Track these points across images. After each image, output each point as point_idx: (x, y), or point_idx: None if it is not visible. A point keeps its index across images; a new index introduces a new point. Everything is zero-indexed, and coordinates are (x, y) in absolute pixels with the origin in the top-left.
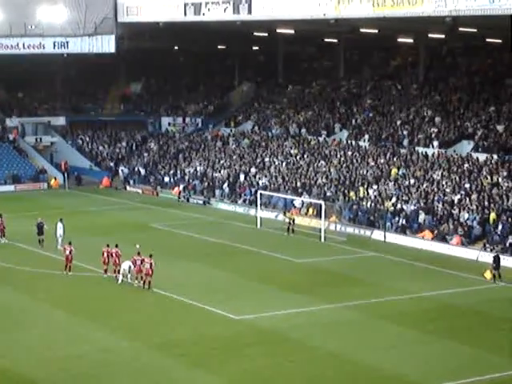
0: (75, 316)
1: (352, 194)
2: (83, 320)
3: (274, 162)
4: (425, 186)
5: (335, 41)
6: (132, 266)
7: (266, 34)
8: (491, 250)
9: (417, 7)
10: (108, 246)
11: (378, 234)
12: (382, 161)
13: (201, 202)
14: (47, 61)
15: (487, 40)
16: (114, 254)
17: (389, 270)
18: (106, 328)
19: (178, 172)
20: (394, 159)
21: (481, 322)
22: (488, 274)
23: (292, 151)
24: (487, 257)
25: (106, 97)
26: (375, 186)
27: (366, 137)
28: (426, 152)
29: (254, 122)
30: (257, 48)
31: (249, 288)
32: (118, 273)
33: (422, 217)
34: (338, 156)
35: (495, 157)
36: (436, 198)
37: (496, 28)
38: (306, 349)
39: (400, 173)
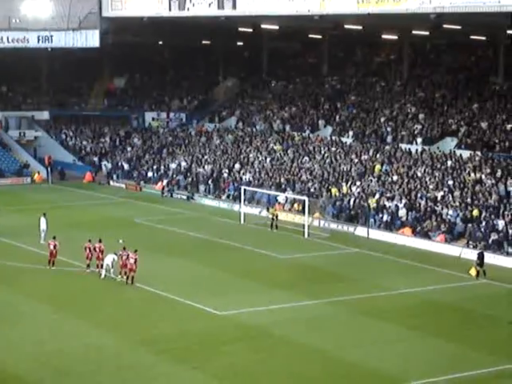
0: (59, 311)
1: (335, 190)
2: (67, 315)
3: (258, 158)
4: (408, 182)
5: (319, 37)
6: (115, 258)
7: (251, 30)
8: (474, 247)
9: (401, 4)
10: (90, 241)
11: (361, 231)
12: (366, 157)
13: (184, 197)
14: (31, 55)
15: (471, 37)
16: (97, 249)
17: (372, 266)
18: (89, 323)
19: (162, 167)
20: (378, 156)
21: (463, 318)
22: (473, 271)
23: (276, 147)
24: (470, 254)
25: (89, 91)
26: (359, 183)
27: (350, 133)
28: (409, 149)
29: (238, 118)
30: (241, 44)
31: (232, 284)
32: (101, 268)
33: (404, 213)
34: (322, 152)
35: (478, 154)
36: (419, 195)
37: (480, 25)
38: (290, 345)
39: (383, 169)
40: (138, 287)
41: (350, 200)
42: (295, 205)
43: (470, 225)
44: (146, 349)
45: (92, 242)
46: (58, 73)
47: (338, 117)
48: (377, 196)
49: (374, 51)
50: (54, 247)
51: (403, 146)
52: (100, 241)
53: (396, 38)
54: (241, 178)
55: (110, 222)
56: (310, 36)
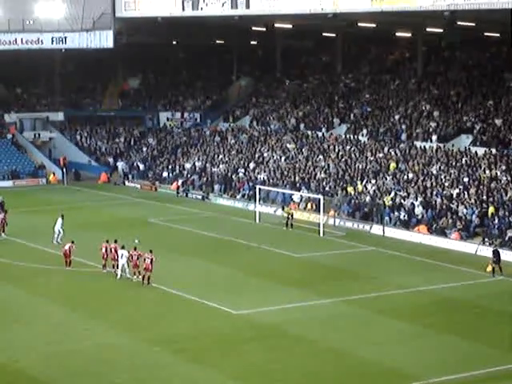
0: (74, 311)
1: (351, 188)
2: (82, 315)
3: (273, 157)
4: (423, 180)
5: (333, 35)
6: (124, 253)
7: (264, 29)
8: (490, 244)
9: (415, 1)
10: (107, 241)
11: (376, 229)
12: (381, 155)
13: (199, 197)
14: (45, 56)
15: (485, 34)
16: (112, 250)
17: (387, 264)
18: (105, 323)
19: (177, 167)
20: (393, 153)
21: (479, 315)
22: (489, 268)
23: (290, 146)
24: (486, 251)
25: (104, 92)
26: (374, 181)
27: (365, 131)
28: (424, 146)
29: (253, 117)
30: (255, 43)
31: (248, 283)
32: (117, 268)
33: (420, 211)
34: (337, 150)
35: (494, 151)
36: (435, 193)
37: (494, 22)
38: (305, 343)
39: (398, 167)
40: (154, 287)
41: (365, 198)
42: (309, 204)
43: (485, 222)
44: (161, 348)
45: (105, 240)
46: (72, 74)
47: (352, 115)
48: (392, 194)
49: (388, 49)
50: (69, 248)
51: (418, 143)
52: (116, 241)
53: (410, 35)
54: (256, 178)
55: (126, 222)
56: (324, 34)
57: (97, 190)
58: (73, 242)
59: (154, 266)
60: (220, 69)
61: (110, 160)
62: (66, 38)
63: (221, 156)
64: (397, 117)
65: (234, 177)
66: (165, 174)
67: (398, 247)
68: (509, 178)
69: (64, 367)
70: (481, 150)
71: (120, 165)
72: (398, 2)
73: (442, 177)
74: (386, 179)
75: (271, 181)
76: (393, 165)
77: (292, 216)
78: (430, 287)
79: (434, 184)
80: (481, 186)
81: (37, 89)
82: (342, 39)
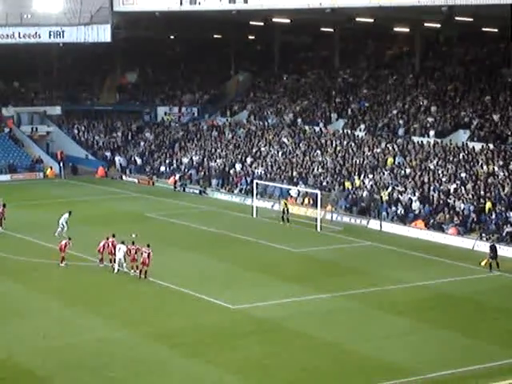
0: (71, 306)
1: (348, 183)
2: (79, 310)
3: (270, 152)
4: (421, 175)
5: (331, 30)
6: (122, 248)
7: (262, 24)
8: (487, 240)
9: None
10: (108, 238)
11: (374, 224)
12: (378, 150)
13: (197, 191)
14: (43, 50)
15: (483, 29)
16: (109, 244)
17: (385, 259)
18: (102, 318)
19: (174, 161)
20: (390, 148)
21: (476, 311)
22: (484, 262)
23: (287, 140)
24: (483, 246)
25: (101, 86)
26: (371, 176)
27: (362, 126)
28: (421, 141)
29: (250, 112)
30: (253, 37)
31: (245, 277)
32: (114, 262)
33: (417, 206)
34: (334, 145)
35: (491, 146)
36: (432, 188)
37: (492, 17)
38: (303, 338)
39: (396, 162)
40: (151, 281)
41: (362, 193)
42: (307, 199)
43: (483, 217)
44: (159, 343)
45: (106, 237)
46: (70, 68)
47: (350, 110)
48: (389, 189)
49: (386, 44)
50: (65, 244)
51: (415, 138)
52: (113, 236)
53: (408, 30)
54: (253, 172)
55: (123, 216)
56: (322, 29)
57: (94, 184)
58: (69, 239)
59: (151, 260)
60: (218, 63)
61: (108, 154)
62: (63, 32)
63: (218, 150)
64: (394, 112)
65: (231, 171)
66: (162, 169)
67: (396, 242)
68: (506, 174)
69: (62, 361)
70: (478, 146)
71: (117, 159)
72: None
73: (440, 172)
74: (384, 174)
75: (268, 175)
76: (390, 160)
77: (288, 210)
78: (428, 282)
79: (432, 179)
80: (478, 182)
81: (34, 83)
82: (339, 34)
